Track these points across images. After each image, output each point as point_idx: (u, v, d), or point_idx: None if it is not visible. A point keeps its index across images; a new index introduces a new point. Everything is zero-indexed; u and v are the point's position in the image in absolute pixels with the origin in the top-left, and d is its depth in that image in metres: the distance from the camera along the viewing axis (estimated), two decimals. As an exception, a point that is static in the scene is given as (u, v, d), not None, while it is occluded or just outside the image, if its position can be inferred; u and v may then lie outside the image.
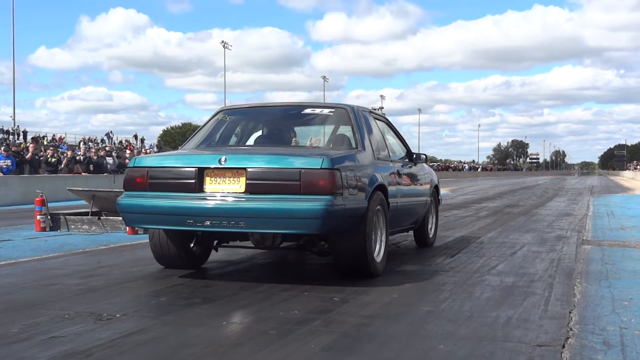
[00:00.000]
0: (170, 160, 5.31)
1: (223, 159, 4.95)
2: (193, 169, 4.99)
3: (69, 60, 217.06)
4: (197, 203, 4.89)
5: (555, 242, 7.92)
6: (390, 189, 5.75)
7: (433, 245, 7.61)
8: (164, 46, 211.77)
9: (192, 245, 5.73)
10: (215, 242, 5.77)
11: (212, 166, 4.96)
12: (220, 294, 4.69)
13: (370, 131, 5.95)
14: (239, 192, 4.87)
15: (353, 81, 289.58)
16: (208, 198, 4.90)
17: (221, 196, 4.89)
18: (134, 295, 4.70)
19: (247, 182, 4.84)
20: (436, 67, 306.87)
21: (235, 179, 4.90)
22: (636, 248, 7.33)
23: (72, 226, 9.25)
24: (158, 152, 41.93)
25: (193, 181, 4.96)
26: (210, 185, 4.96)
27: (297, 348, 3.31)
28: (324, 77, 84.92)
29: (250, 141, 6.19)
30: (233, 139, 6.17)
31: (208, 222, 4.84)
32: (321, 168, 4.75)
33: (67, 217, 9.33)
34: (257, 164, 4.89)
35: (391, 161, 6.23)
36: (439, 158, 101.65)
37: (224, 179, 4.93)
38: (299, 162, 4.84)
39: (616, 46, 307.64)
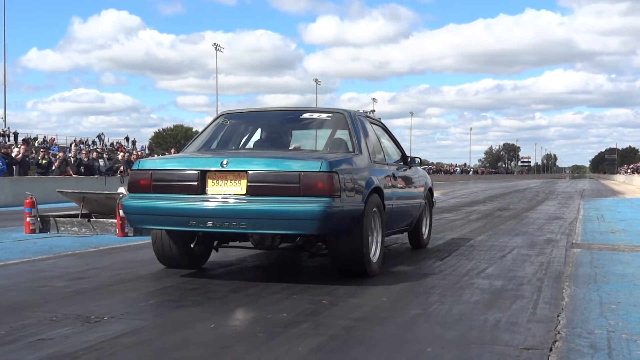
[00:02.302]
0: (173, 163, 5.45)
1: (225, 162, 5.07)
2: (196, 172, 5.11)
3: (61, 62, 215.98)
4: (200, 204, 5.02)
5: (544, 246, 7.95)
6: (386, 191, 5.86)
7: (426, 247, 7.67)
8: (156, 48, 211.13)
9: (192, 245, 5.82)
10: (216, 242, 5.91)
11: (214, 169, 5.09)
12: (209, 296, 4.69)
13: (366, 135, 6.06)
14: (240, 194, 4.99)
15: (345, 84, 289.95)
16: (210, 200, 5.03)
17: (223, 198, 5.01)
18: (122, 297, 4.69)
19: (248, 184, 4.96)
20: (428, 71, 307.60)
21: (237, 181, 5.02)
22: (625, 251, 7.37)
23: (62, 228, 9.22)
24: (150, 154, 41.92)
25: (196, 183, 5.08)
26: (213, 187, 5.09)
27: (286, 350, 3.31)
28: (316, 80, 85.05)
29: (251, 145, 6.34)
30: (234, 143, 6.31)
31: (210, 223, 4.97)
32: (320, 171, 4.87)
33: (57, 219, 9.30)
34: (258, 166, 5.02)
35: (387, 164, 6.35)
36: (430, 161, 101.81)
37: (226, 181, 5.06)
38: (298, 165, 4.97)
39: (607, 50, 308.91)
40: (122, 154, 28.82)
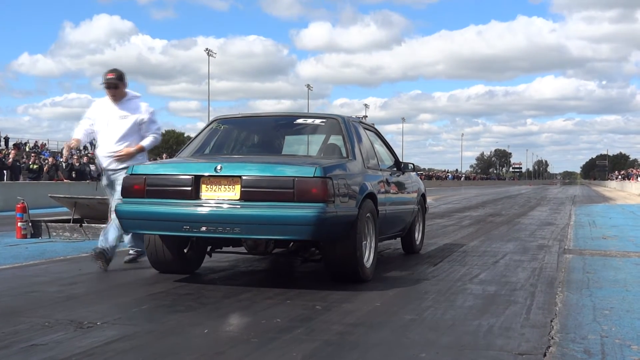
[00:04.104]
0: (167, 168, 5.44)
1: (219, 167, 5.06)
2: (189, 177, 5.10)
3: (52, 67, 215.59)
4: (194, 210, 5.01)
5: (537, 251, 7.97)
6: (380, 197, 5.87)
7: (419, 252, 7.68)
8: (148, 53, 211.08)
9: (186, 250, 5.81)
10: (209, 247, 5.91)
11: (208, 174, 5.09)
12: (202, 301, 4.68)
13: (360, 141, 6.08)
14: (234, 199, 4.98)
15: (337, 90, 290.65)
16: (204, 205, 5.02)
17: (217, 203, 5.01)
18: (115, 303, 4.67)
19: (242, 189, 4.96)
20: (420, 77, 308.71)
21: (231, 187, 5.01)
22: (617, 257, 7.39)
23: (54, 233, 9.17)
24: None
25: (189, 188, 5.07)
26: (206, 192, 5.07)
27: (279, 356, 3.30)
28: (308, 86, 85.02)
29: (244, 150, 6.32)
30: (227, 148, 6.29)
31: (204, 228, 4.95)
32: (314, 176, 4.88)
33: (49, 224, 9.25)
34: (252, 172, 5.02)
35: (380, 170, 6.37)
36: (422, 167, 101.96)
37: (220, 187, 5.05)
38: (292, 171, 4.96)
39: (598, 57, 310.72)
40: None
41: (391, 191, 6.47)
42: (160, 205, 5.12)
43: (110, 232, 6.15)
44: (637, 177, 46.55)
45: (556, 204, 23.55)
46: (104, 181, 6.49)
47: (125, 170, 5.74)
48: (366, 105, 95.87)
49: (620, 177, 60.71)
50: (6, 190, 17.23)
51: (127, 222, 5.31)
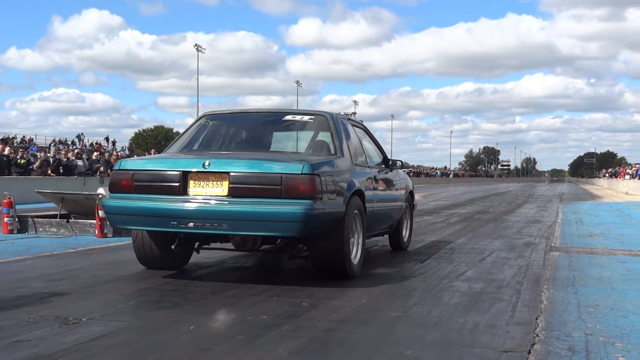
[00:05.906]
0: (155, 163, 5.43)
1: (207, 163, 5.07)
2: (178, 173, 5.11)
3: (40, 61, 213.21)
4: (181, 205, 5.02)
5: (523, 249, 8.00)
6: (367, 194, 5.88)
7: (407, 250, 7.69)
8: (137, 48, 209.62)
9: (173, 246, 5.80)
10: (197, 243, 5.90)
11: (196, 170, 5.10)
12: (189, 298, 4.67)
13: (348, 138, 6.08)
14: (222, 196, 5.00)
15: (327, 86, 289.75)
16: (192, 201, 5.03)
17: (204, 199, 5.02)
18: (101, 299, 4.66)
19: (230, 185, 4.97)
20: (410, 73, 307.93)
21: (219, 183, 5.03)
22: (603, 255, 7.44)
23: (40, 229, 9.14)
24: (129, 154, 41.66)
25: (177, 184, 5.08)
26: (194, 188, 5.08)
27: (266, 353, 3.30)
28: (297, 82, 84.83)
29: (233, 146, 6.31)
30: (216, 144, 6.29)
31: (191, 224, 4.96)
32: (302, 173, 4.89)
33: (35, 219, 9.21)
34: (240, 168, 5.03)
35: (368, 167, 6.38)
36: (411, 164, 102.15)
37: (208, 183, 5.07)
38: (280, 167, 4.98)
39: (587, 55, 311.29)
40: (96, 153, 28.50)
41: (379, 188, 6.48)
42: (147, 200, 5.12)
43: None
44: (625, 175, 46.83)
45: (544, 201, 23.66)
46: None
47: None
48: (355, 102, 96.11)
49: (607, 174, 61.03)
50: (-7, 185, 17.09)
51: (115, 217, 5.30)
